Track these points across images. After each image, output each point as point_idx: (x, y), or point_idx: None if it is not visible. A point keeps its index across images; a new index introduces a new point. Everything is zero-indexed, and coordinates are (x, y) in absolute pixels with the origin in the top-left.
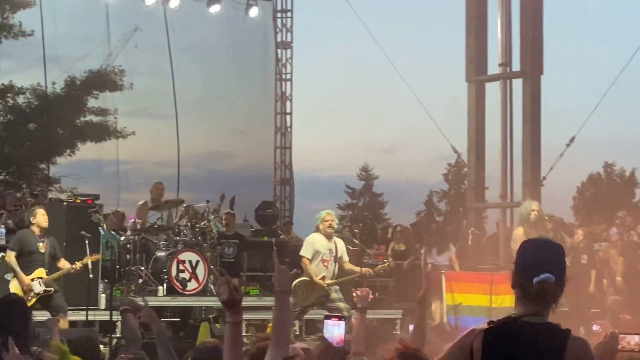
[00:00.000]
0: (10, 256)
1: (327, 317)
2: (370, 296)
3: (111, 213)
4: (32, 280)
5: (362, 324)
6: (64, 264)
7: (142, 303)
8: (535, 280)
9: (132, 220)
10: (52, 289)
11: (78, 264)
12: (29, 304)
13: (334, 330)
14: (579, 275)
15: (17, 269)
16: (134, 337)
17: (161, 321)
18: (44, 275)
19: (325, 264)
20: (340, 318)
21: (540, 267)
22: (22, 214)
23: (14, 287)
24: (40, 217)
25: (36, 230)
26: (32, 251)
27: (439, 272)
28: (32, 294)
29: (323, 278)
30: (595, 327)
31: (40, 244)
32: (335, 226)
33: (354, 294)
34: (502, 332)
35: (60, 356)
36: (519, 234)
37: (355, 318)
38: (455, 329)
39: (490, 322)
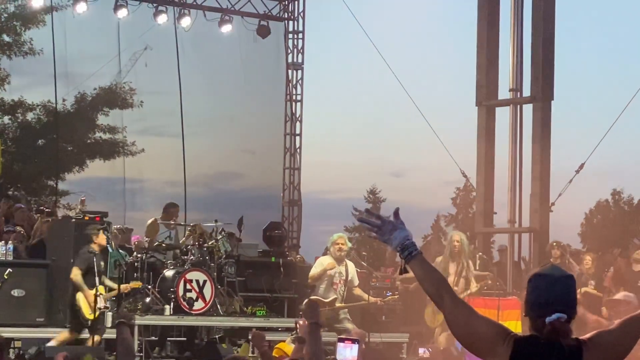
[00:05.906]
0: (77, 274)
1: (341, 340)
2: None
3: (116, 229)
4: (96, 296)
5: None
6: (110, 283)
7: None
8: (547, 320)
9: (136, 239)
10: (108, 306)
11: (128, 286)
12: (94, 317)
13: (346, 352)
14: (587, 303)
15: (84, 286)
16: (129, 351)
17: (167, 340)
18: (103, 292)
19: (335, 286)
20: (353, 341)
21: (552, 305)
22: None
23: (82, 300)
24: (102, 236)
25: (96, 248)
26: (95, 269)
27: None
28: (96, 308)
29: (334, 300)
30: None
31: (102, 263)
32: (346, 249)
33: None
34: (530, 347)
35: None
36: (437, 262)
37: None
38: (462, 354)
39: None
